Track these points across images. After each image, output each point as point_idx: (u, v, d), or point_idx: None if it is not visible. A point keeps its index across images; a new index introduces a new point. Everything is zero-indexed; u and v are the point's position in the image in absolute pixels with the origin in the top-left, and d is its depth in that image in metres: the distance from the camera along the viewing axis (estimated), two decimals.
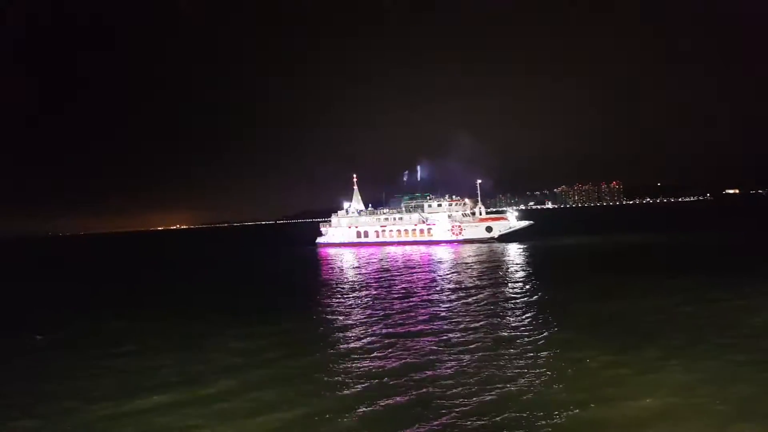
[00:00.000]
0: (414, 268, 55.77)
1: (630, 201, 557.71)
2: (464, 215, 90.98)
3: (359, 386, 18.71)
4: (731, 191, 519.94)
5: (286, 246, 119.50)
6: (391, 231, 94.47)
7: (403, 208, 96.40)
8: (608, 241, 77.22)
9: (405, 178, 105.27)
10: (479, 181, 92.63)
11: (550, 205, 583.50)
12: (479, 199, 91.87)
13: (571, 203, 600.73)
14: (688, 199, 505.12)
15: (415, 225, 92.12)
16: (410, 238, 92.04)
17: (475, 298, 34.70)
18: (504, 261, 57.20)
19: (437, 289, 40.23)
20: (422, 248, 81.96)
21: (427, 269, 53.97)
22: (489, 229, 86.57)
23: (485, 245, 79.62)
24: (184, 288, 52.93)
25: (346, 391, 18.28)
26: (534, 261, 56.55)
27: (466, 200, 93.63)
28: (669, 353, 20.04)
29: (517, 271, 48.28)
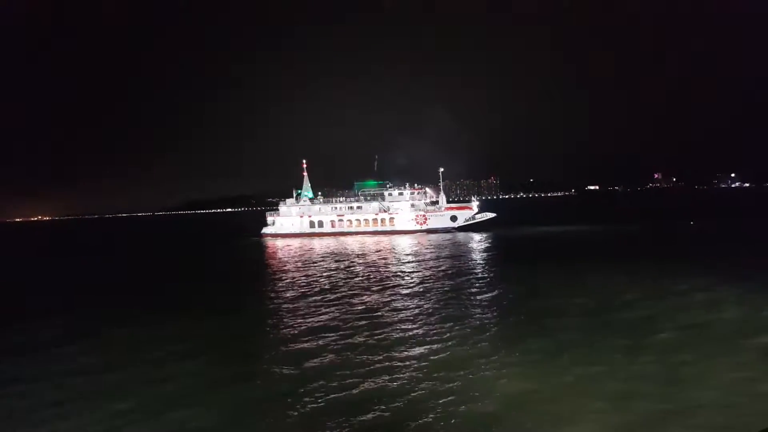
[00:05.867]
0: (377, 260, 49.69)
1: (506, 195, 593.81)
2: (427, 204, 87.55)
3: (301, 400, 15.82)
4: (592, 187, 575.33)
5: (220, 238, 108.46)
6: (349, 221, 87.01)
7: (362, 197, 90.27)
8: (561, 231, 75.28)
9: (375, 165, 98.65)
10: (441, 169, 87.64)
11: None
12: (441, 187, 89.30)
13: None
14: (556, 194, 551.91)
15: (376, 214, 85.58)
16: (370, 228, 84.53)
17: (430, 293, 31.24)
18: (471, 252, 53.78)
19: (401, 283, 35.59)
20: (384, 239, 76.61)
21: (392, 261, 48.54)
22: (454, 218, 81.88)
23: (449, 235, 76.72)
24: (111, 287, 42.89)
25: (284, 408, 15.33)
26: (500, 252, 53.36)
27: (427, 189, 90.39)
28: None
29: (484, 263, 44.94)
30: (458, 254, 52.05)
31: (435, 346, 20.25)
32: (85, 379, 18.99)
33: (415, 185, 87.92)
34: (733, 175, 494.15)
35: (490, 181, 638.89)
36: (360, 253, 58.26)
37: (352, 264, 48.28)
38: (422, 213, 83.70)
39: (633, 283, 30.61)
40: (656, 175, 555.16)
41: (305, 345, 21.57)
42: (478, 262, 46.38)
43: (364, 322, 24.78)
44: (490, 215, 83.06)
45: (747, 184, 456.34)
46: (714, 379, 15.53)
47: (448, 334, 21.79)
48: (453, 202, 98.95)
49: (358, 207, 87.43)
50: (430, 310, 26.55)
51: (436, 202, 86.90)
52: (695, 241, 54.36)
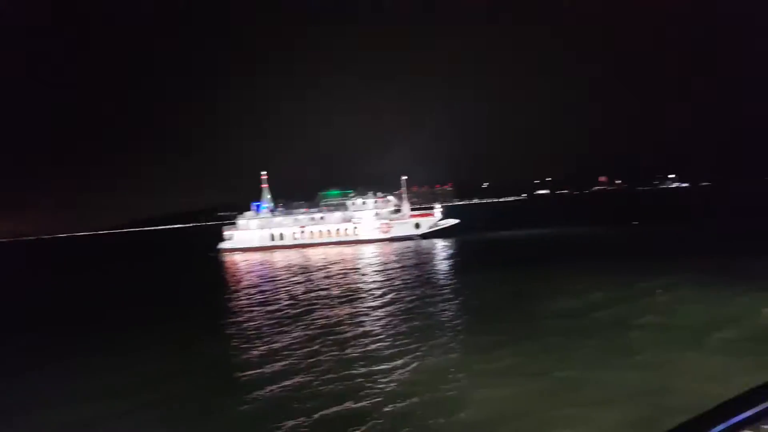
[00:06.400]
0: (341, 272, 48.57)
1: (462, 201, 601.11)
2: (390, 212, 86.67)
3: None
4: (542, 192, 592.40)
5: (172, 256, 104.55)
6: (311, 232, 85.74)
7: (324, 207, 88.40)
8: (521, 234, 76.55)
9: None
10: (404, 177, 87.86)
11: None
12: (404, 195, 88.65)
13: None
14: (508, 199, 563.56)
15: (339, 224, 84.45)
16: (334, 238, 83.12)
17: (397, 303, 30.47)
18: (436, 259, 53.93)
19: (366, 295, 34.66)
20: (348, 249, 75.55)
21: (357, 272, 47.63)
22: (418, 225, 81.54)
23: (413, 243, 76.22)
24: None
25: None
26: (465, 258, 54.01)
27: (390, 197, 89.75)
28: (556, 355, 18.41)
29: (450, 270, 45.06)
30: (423, 262, 51.70)
31: (405, 359, 19.42)
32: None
33: (379, 193, 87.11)
34: (672, 176, 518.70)
35: (446, 187, 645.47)
36: (323, 265, 56.76)
37: (315, 277, 46.73)
38: (386, 221, 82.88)
39: (599, 283, 30.60)
40: (601, 178, 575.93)
41: (269, 367, 20.10)
42: (443, 268, 46.08)
43: (330, 338, 23.57)
44: (454, 221, 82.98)
45: (685, 184, 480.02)
46: (685, 379, 15.30)
47: (417, 345, 21.03)
48: (412, 209, 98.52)
49: (321, 217, 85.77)
50: (398, 322, 25.68)
51: (400, 210, 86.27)
52: (645, 241, 55.81)
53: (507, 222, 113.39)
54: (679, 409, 12.80)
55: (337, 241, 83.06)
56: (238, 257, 79.15)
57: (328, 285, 40.82)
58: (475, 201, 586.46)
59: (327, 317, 28.40)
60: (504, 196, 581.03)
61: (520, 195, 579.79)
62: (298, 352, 21.79)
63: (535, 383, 15.98)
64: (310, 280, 44.62)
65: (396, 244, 75.02)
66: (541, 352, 18.85)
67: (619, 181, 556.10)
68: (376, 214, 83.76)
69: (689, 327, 20.31)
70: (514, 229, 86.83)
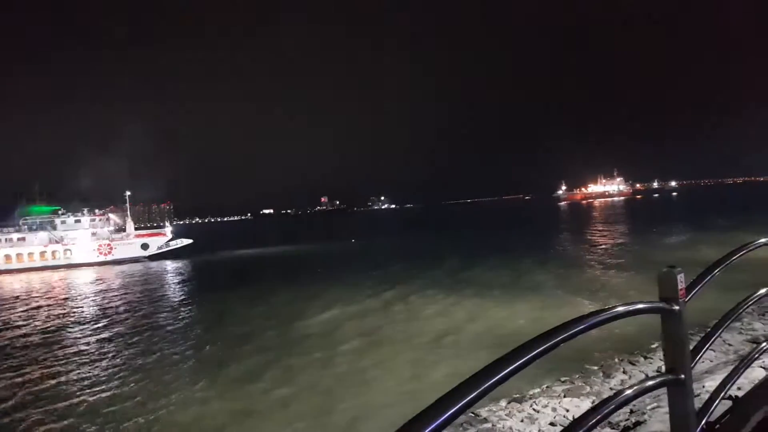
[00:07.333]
0: (48, 305, 40.78)
1: (181, 221, 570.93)
2: (112, 232, 77.79)
3: None
4: (267, 211, 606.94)
5: None
6: (6, 256, 70.61)
7: (24, 226, 74.21)
8: (258, 253, 78.59)
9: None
10: (128, 192, 79.95)
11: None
12: (128, 212, 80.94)
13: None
14: (233, 218, 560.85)
15: (45, 246, 71.90)
16: (38, 263, 70.37)
17: (121, 339, 26.42)
18: (166, 284, 50.66)
19: (80, 331, 29.29)
20: (58, 275, 65.83)
21: (69, 304, 40.80)
22: (145, 246, 75.14)
23: (140, 266, 71.09)
24: None
25: None
26: (199, 281, 52.14)
27: (110, 215, 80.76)
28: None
29: (182, 295, 42.52)
30: (152, 288, 47.15)
31: (129, 403, 16.77)
32: None
33: (96, 210, 78.33)
34: (383, 198, 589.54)
35: (162, 206, 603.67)
36: (22, 295, 47.12)
37: (8, 312, 37.96)
38: (106, 242, 75.00)
39: (338, 299, 31.45)
40: (323, 199, 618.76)
41: None
42: (176, 293, 43.31)
43: (28, 394, 18.33)
44: (187, 241, 79.63)
45: (393, 206, 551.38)
46: (433, 376, 16.62)
47: (142, 385, 18.38)
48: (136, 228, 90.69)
49: (20, 239, 72.68)
50: (122, 361, 22.20)
51: (123, 229, 79.02)
52: (368, 255, 61.06)
53: (240, 241, 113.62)
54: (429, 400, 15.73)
55: (43, 266, 71.55)
56: None
57: (28, 321, 33.63)
58: (197, 220, 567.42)
59: (29, 364, 22.48)
60: (228, 216, 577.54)
61: (245, 215, 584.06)
62: None
63: (282, 412, 14.98)
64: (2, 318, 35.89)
65: (120, 268, 68.45)
66: (291, 378, 17.77)
67: (338, 202, 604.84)
68: (94, 233, 75.13)
69: (425, 333, 22.37)
70: (247, 247, 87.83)
